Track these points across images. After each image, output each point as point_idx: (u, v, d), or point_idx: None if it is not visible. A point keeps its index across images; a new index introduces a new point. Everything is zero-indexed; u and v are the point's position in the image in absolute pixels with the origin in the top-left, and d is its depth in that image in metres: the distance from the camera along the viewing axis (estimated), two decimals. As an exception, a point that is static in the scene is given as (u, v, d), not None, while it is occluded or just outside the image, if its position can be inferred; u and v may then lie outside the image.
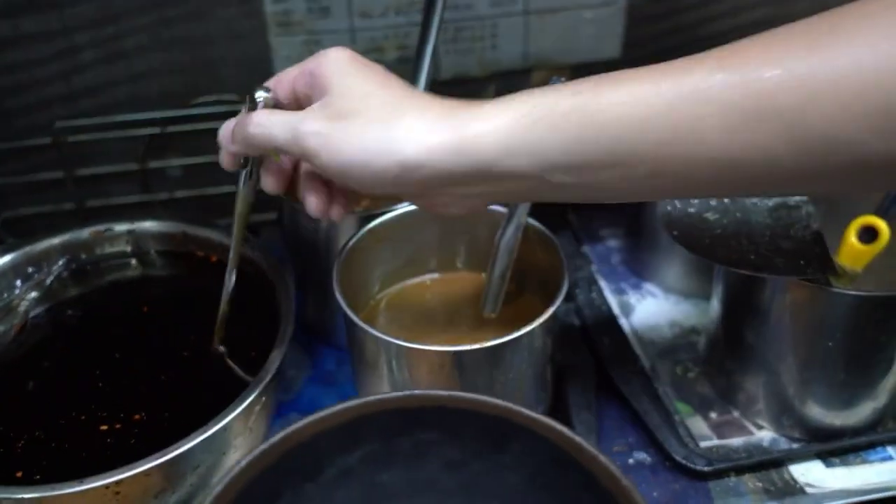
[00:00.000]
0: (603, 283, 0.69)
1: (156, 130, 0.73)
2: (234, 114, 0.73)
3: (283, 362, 0.50)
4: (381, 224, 0.54)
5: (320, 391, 0.61)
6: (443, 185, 0.38)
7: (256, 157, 0.45)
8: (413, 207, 0.55)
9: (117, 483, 0.43)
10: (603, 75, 0.37)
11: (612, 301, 0.67)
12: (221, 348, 0.53)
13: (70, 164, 0.73)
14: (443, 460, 0.37)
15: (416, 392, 0.37)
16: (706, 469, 0.52)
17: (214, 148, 0.75)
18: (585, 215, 0.75)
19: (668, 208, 0.54)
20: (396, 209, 0.55)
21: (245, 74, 0.74)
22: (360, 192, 0.43)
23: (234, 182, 0.79)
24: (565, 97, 0.36)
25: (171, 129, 0.73)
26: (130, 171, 0.75)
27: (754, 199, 0.54)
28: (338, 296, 0.49)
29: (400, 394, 0.37)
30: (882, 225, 0.52)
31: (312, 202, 0.44)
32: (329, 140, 0.38)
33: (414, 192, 0.39)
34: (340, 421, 0.36)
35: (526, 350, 0.48)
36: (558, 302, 0.48)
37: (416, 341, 0.46)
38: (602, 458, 0.35)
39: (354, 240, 0.53)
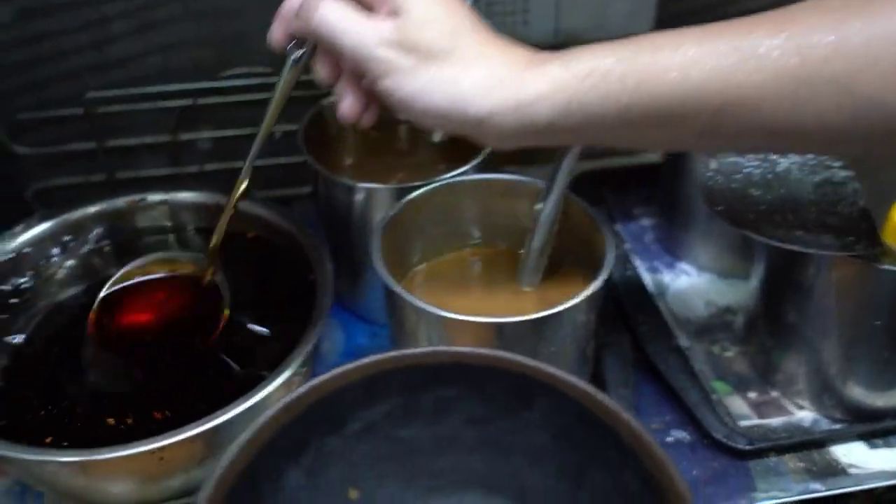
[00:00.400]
0: (637, 262, 0.68)
1: (187, 102, 0.73)
2: (264, 86, 0.73)
3: (322, 335, 0.50)
4: (420, 196, 0.54)
5: (354, 365, 0.61)
6: (503, 137, 0.40)
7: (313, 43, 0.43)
8: (454, 180, 0.55)
9: (161, 449, 0.43)
10: (662, 34, 0.37)
11: (647, 279, 0.67)
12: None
13: (101, 135, 0.73)
14: (464, 417, 0.38)
15: (437, 349, 0.37)
16: (747, 448, 0.52)
17: (245, 120, 0.75)
18: (619, 194, 0.74)
19: (710, 183, 0.53)
20: (435, 181, 0.54)
21: (276, 47, 0.73)
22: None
23: (265, 155, 0.79)
24: (623, 60, 0.36)
25: (203, 101, 0.73)
26: (160, 143, 0.75)
27: (799, 175, 0.53)
28: (379, 266, 0.48)
29: (420, 350, 0.38)
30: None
31: (348, 104, 0.43)
32: (399, 74, 0.38)
33: (476, 136, 0.40)
34: (363, 375, 0.36)
35: (571, 324, 0.47)
36: (605, 275, 0.47)
37: (457, 312, 0.46)
38: (623, 414, 0.35)
39: (395, 211, 0.52)
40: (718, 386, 0.58)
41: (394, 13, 0.39)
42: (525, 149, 0.67)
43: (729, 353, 0.60)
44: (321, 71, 0.44)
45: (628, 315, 0.61)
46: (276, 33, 0.44)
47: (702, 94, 0.35)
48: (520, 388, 0.37)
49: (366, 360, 0.37)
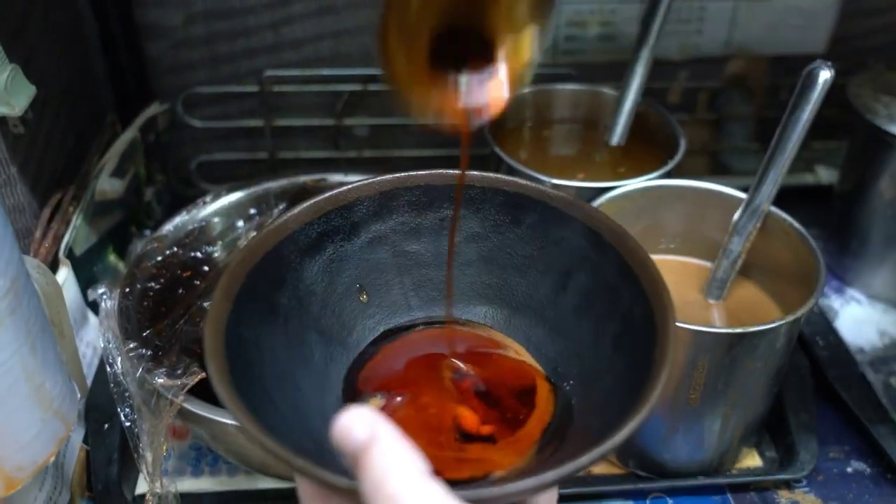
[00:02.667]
0: (804, 284, 0.66)
1: (357, 87, 0.74)
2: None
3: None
4: (619, 196, 0.53)
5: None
6: None
7: None
8: (653, 183, 0.54)
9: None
10: None
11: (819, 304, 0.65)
12: None
13: (270, 114, 0.74)
14: (463, 234, 0.40)
15: (443, 171, 0.40)
16: (939, 486, 0.50)
17: (402, 110, 0.76)
18: (785, 212, 0.72)
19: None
20: (633, 184, 0.54)
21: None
22: None
23: (415, 146, 0.79)
24: None
25: (373, 87, 0.74)
26: (322, 126, 0.76)
27: None
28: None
29: (428, 172, 0.40)
30: None
31: None
32: None
33: None
34: (377, 191, 0.39)
35: (777, 340, 0.46)
36: (818, 293, 0.46)
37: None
38: (606, 218, 0.37)
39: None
40: (899, 419, 0.56)
41: None
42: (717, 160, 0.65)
43: (907, 387, 0.58)
44: None
45: (807, 340, 0.59)
46: None
47: None
48: (513, 206, 0.39)
49: (380, 178, 0.39)
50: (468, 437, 0.35)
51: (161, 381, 0.44)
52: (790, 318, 0.45)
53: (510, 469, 0.34)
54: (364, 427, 0.27)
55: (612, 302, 0.36)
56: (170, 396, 0.44)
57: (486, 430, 0.36)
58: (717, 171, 0.82)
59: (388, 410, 0.36)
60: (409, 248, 0.41)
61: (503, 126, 0.64)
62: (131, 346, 0.47)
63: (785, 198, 0.79)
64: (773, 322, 0.45)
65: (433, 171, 0.40)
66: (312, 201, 0.38)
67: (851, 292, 0.67)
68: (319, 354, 0.38)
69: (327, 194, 0.38)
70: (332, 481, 0.27)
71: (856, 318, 0.64)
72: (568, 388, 0.37)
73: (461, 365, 0.38)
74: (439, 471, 0.29)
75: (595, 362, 0.36)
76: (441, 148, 0.76)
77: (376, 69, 0.74)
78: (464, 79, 0.36)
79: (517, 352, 0.40)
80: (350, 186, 0.39)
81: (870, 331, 0.63)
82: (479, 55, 0.36)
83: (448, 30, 0.35)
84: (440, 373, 0.38)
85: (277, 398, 0.34)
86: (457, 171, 0.39)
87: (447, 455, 0.34)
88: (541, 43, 0.36)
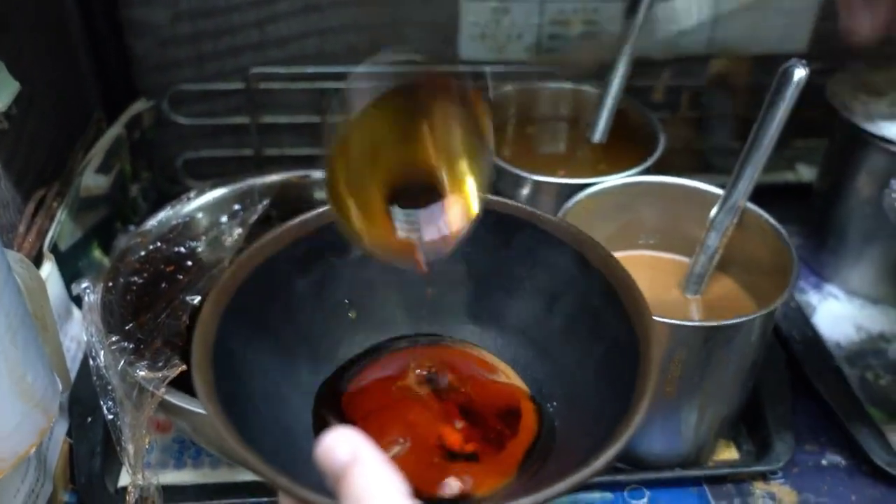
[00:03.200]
0: (784, 280, 0.67)
1: (341, 85, 0.74)
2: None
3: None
4: (598, 192, 0.54)
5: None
6: None
7: None
8: (631, 180, 0.55)
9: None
10: None
11: (796, 299, 0.65)
12: None
13: (255, 111, 0.75)
14: (455, 253, 0.40)
15: None
16: (912, 477, 0.51)
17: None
18: (764, 210, 0.73)
19: (894, 195, 0.52)
20: (612, 180, 0.55)
21: (429, 35, 0.74)
22: None
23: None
24: None
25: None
26: (307, 124, 0.77)
27: None
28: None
29: None
30: None
31: None
32: None
33: None
34: None
35: (751, 333, 0.47)
36: (792, 287, 0.47)
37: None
38: (590, 239, 0.38)
39: (570, 204, 0.53)
40: (874, 412, 0.56)
41: None
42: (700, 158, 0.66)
43: (883, 381, 0.59)
44: None
45: (783, 334, 0.60)
46: None
47: None
48: (504, 227, 0.39)
49: None
50: (452, 456, 0.36)
51: (142, 373, 0.45)
52: (764, 311, 0.46)
53: (492, 488, 0.34)
54: (346, 448, 0.27)
55: (597, 326, 0.37)
56: (151, 389, 0.44)
57: (470, 447, 0.36)
58: (701, 169, 0.83)
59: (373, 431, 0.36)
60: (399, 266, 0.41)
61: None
62: (114, 339, 0.47)
63: (765, 195, 0.80)
64: (747, 315, 0.46)
65: None
66: (305, 217, 0.38)
67: (830, 288, 0.67)
68: (307, 369, 0.38)
69: (319, 210, 0.38)
70: (313, 500, 0.27)
71: (833, 314, 0.65)
72: (552, 409, 0.38)
73: (447, 382, 0.39)
74: (421, 489, 0.31)
75: (579, 385, 0.37)
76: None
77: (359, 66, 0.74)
78: (415, 218, 0.37)
79: (504, 371, 0.40)
80: None
81: (847, 326, 0.64)
82: (430, 194, 0.36)
83: (393, 181, 0.36)
84: (425, 390, 0.38)
85: (265, 411, 0.34)
86: None
87: (430, 473, 0.35)
88: (483, 193, 0.36)
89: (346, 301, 0.40)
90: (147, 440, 0.47)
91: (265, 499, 0.49)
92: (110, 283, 0.51)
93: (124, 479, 0.51)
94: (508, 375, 0.40)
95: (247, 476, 0.51)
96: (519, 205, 0.39)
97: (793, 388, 0.57)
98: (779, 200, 0.74)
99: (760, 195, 0.81)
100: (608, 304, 0.36)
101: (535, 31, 0.75)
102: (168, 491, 0.49)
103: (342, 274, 0.40)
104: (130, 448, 0.47)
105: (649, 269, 0.57)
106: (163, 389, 0.44)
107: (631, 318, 0.35)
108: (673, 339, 0.46)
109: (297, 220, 0.38)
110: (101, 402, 0.48)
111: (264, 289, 0.37)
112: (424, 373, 0.39)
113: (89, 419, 0.52)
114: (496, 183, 0.60)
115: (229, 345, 0.34)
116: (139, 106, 0.71)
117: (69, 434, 0.52)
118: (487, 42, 0.75)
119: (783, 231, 0.51)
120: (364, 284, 0.40)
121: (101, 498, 0.49)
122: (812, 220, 0.69)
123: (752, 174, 0.50)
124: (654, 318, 0.45)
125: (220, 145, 0.78)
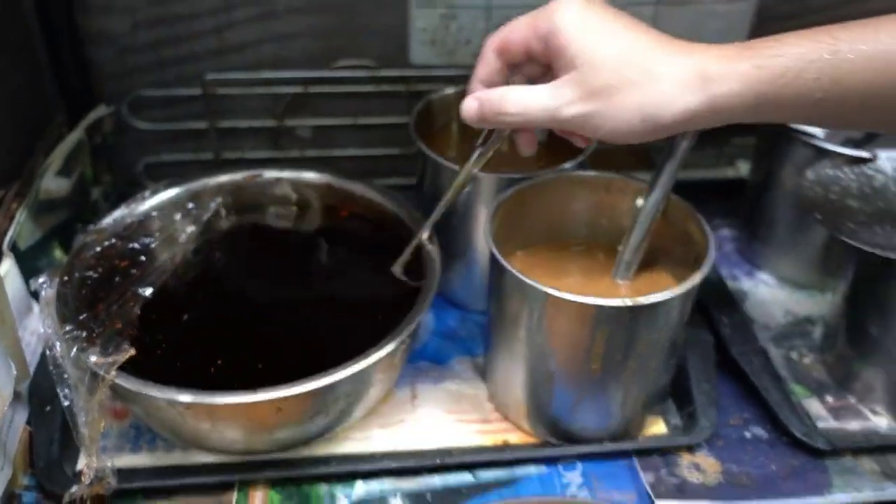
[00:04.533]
0: (718, 269, 0.71)
1: (298, 89, 0.77)
2: (371, 79, 0.77)
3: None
4: (530, 185, 0.57)
5: (444, 344, 0.64)
6: (690, 130, 0.45)
7: (498, 133, 0.51)
8: (562, 174, 0.58)
9: (282, 400, 0.46)
10: (846, 26, 0.40)
11: (728, 285, 0.69)
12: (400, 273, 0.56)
13: (214, 116, 0.78)
14: None
15: None
16: (826, 448, 0.54)
17: (346, 111, 0.79)
18: (701, 206, 0.77)
19: (809, 194, 0.55)
20: (545, 174, 0.58)
21: (382, 42, 0.77)
22: None
23: (359, 146, 0.82)
24: (815, 58, 0.39)
25: (314, 89, 0.77)
26: (266, 128, 0.79)
27: None
28: (491, 246, 0.52)
29: None
30: None
31: (526, 141, 0.51)
32: (589, 119, 0.43)
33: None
34: None
35: (669, 313, 0.50)
36: (706, 269, 0.50)
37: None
38: None
39: (505, 197, 0.56)
40: (797, 389, 0.60)
41: (568, 67, 0.43)
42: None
43: (806, 360, 0.62)
44: (525, 148, 0.52)
45: (712, 316, 0.63)
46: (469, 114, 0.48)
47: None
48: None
49: None
50: None
51: (94, 359, 0.47)
52: (680, 290, 0.49)
53: None
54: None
55: None
56: (102, 373, 0.47)
57: None
58: (650, 166, 0.86)
59: None
60: None
61: (431, 125, 0.68)
62: (68, 329, 0.50)
63: (706, 191, 0.84)
64: (664, 294, 0.49)
65: None
66: None
67: (761, 275, 0.71)
68: None
69: None
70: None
71: (763, 299, 0.68)
72: None
73: None
74: None
75: None
76: (382, 147, 0.80)
77: (317, 71, 0.77)
78: None
79: None
80: None
81: (776, 310, 0.67)
82: None
83: None
84: None
85: None
86: None
87: None
88: None
89: None
90: (102, 424, 0.49)
91: (216, 478, 0.52)
92: (66, 278, 0.54)
93: (82, 463, 0.53)
94: None
95: (201, 458, 0.54)
96: None
97: (720, 368, 0.60)
98: (718, 196, 0.78)
99: (701, 191, 0.84)
100: None
101: (482, 36, 0.77)
102: (123, 473, 0.51)
103: None
104: (85, 431, 0.49)
105: (583, 259, 0.60)
106: (113, 373, 0.47)
107: None
108: (594, 318, 0.49)
109: None
110: (58, 390, 0.50)
111: None
112: None
113: (48, 408, 0.54)
114: (437, 180, 0.63)
115: None
116: (100, 111, 0.74)
117: (29, 423, 0.54)
118: (437, 47, 0.78)
119: (701, 217, 0.54)
120: None
121: (59, 480, 0.51)
122: (745, 212, 0.73)
123: (673, 167, 0.53)
124: (579, 299, 0.49)
125: (180, 150, 0.80)
